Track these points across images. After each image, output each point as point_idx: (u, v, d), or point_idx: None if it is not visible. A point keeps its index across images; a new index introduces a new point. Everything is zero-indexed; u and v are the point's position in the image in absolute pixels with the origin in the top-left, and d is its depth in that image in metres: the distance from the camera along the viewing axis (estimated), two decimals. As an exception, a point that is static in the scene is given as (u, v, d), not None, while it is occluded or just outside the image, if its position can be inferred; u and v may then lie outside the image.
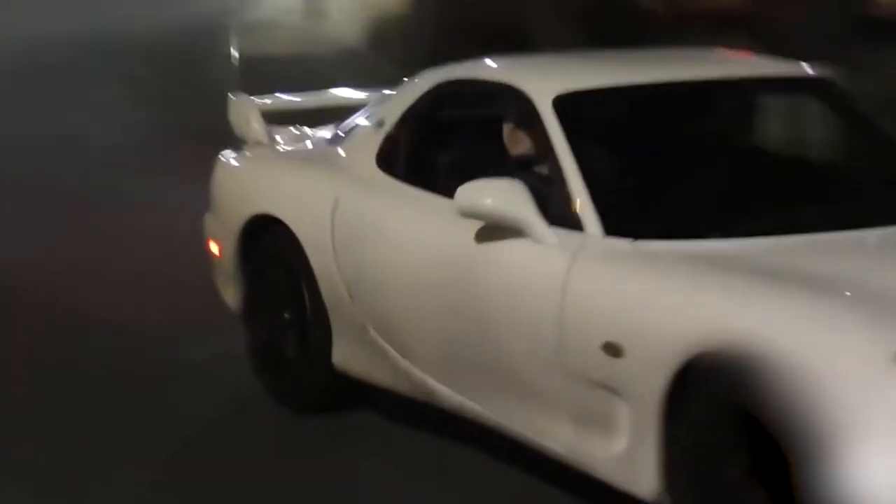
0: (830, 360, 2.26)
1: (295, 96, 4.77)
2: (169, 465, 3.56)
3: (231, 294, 4.18)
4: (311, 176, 3.87)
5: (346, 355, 3.64)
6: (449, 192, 3.20)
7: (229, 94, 4.49)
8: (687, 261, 2.75)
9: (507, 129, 3.44)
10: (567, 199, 2.98)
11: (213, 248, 4.29)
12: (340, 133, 4.08)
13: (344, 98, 4.81)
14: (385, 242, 3.41)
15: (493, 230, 3.01)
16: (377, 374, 3.53)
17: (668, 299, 2.62)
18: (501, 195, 2.92)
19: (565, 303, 2.79)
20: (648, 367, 2.57)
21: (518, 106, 3.34)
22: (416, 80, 3.80)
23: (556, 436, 2.88)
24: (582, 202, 2.94)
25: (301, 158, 4.14)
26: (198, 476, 3.48)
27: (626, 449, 2.67)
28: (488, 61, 3.74)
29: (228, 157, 4.34)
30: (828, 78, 3.63)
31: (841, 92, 3.59)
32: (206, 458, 3.62)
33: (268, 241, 3.96)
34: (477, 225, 3.03)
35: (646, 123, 3.41)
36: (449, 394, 3.20)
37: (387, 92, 4.53)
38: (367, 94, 4.70)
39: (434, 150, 3.60)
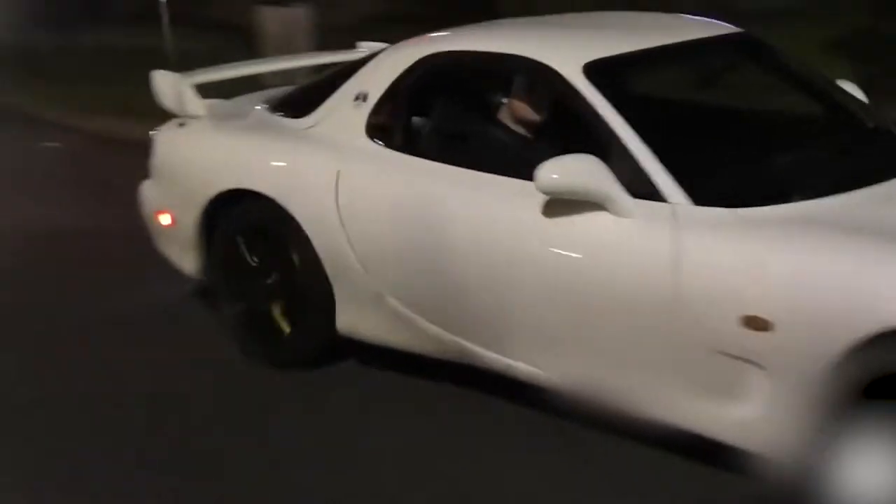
0: None
1: (222, 68, 4.77)
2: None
3: (190, 261, 4.30)
4: (295, 150, 3.94)
5: (353, 321, 3.83)
6: (470, 164, 3.47)
7: (153, 72, 4.45)
8: (817, 228, 2.76)
9: (514, 101, 3.70)
10: (632, 170, 3.01)
11: (163, 218, 4.30)
12: (281, 105, 4.23)
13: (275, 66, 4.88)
14: (414, 216, 3.54)
15: (562, 204, 3.10)
16: (395, 338, 3.76)
17: (832, 274, 2.60)
18: (586, 171, 2.99)
19: (680, 277, 2.83)
20: (808, 342, 2.61)
21: (535, 77, 3.55)
22: (397, 52, 3.94)
23: (666, 404, 3.02)
24: (655, 172, 3.00)
25: (264, 131, 4.17)
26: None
27: (761, 415, 2.78)
28: (485, 31, 3.93)
29: (170, 130, 4.34)
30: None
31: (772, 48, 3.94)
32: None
33: (241, 212, 4.04)
34: (539, 199, 3.15)
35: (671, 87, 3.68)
36: (493, 357, 3.48)
37: (327, 59, 4.67)
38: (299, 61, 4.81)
39: (439, 122, 3.77)
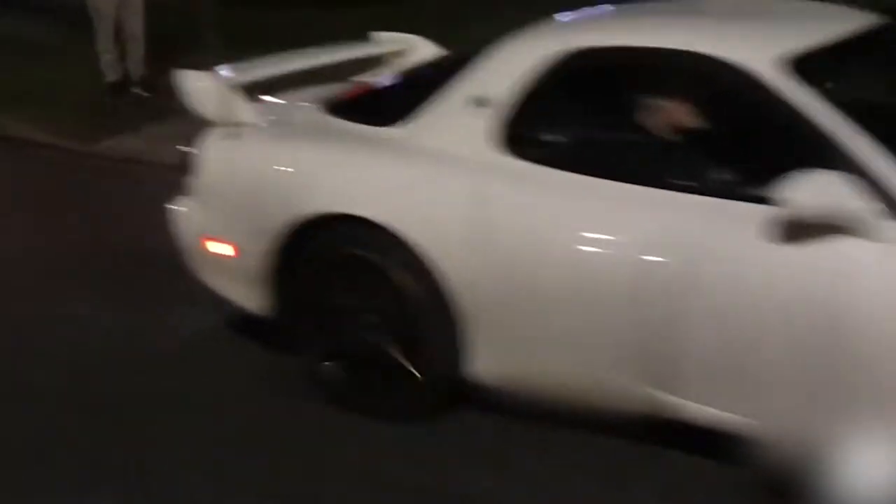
0: None
1: (267, 63, 4.11)
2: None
3: (257, 298, 3.63)
4: (406, 166, 3.32)
5: (492, 366, 3.27)
6: (633, 178, 2.96)
7: (178, 70, 3.76)
8: None
9: (675, 105, 3.16)
10: (871, 186, 2.61)
11: (219, 248, 3.62)
12: (349, 109, 3.65)
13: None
14: (574, 240, 2.99)
15: (789, 229, 2.66)
16: (543, 384, 3.22)
17: None
18: (841, 189, 2.56)
19: None
20: None
21: (715, 78, 3.00)
22: (525, 47, 3.33)
23: None
24: None
25: (349, 143, 3.52)
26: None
27: None
28: (638, 22, 3.35)
29: (219, 141, 3.63)
30: None
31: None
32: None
33: (334, 241, 3.41)
34: (753, 222, 2.71)
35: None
36: (704, 409, 2.95)
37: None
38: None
39: (592, 131, 3.21)
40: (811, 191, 2.56)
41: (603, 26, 3.46)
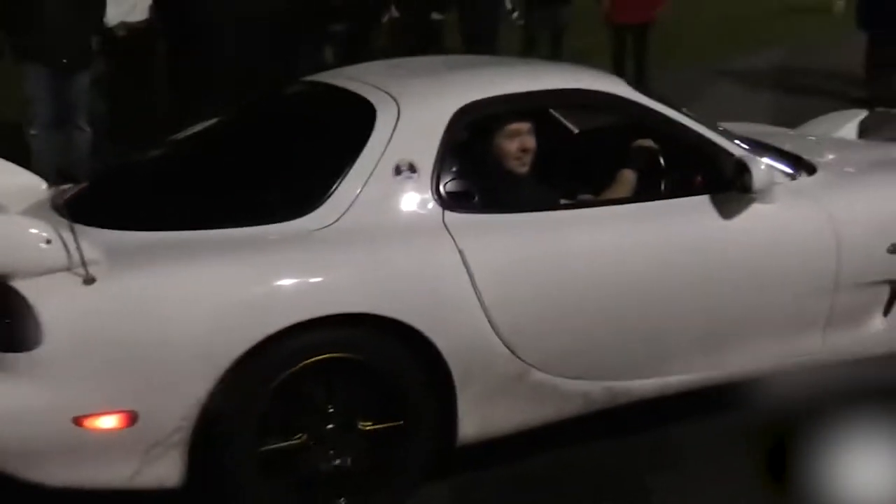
0: None
1: None
2: None
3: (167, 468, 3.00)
4: (362, 253, 3.20)
5: (484, 422, 3.35)
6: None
7: None
8: None
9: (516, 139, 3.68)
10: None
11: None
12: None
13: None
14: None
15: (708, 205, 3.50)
16: (531, 416, 3.42)
17: None
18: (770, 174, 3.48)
19: (839, 233, 3.58)
20: None
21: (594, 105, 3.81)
22: (426, 110, 3.42)
23: (805, 348, 3.68)
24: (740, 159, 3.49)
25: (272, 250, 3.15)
26: None
27: (892, 318, 3.74)
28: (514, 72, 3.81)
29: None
30: None
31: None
32: None
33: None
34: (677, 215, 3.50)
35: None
36: (648, 383, 3.53)
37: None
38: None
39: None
40: (766, 168, 3.41)
41: (486, 77, 3.67)
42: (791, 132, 4.90)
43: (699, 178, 3.63)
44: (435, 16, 8.70)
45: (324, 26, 8.06)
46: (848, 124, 5.15)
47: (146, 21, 7.23)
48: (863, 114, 5.36)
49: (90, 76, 6.86)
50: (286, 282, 3.00)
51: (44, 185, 3.73)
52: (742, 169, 3.41)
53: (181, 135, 4.08)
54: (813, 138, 4.69)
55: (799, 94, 9.08)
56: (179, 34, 7.15)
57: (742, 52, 10.46)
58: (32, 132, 6.67)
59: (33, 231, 2.87)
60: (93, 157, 6.83)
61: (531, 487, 3.45)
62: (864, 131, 5.18)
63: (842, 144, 4.63)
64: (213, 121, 4.03)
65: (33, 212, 3.35)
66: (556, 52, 9.34)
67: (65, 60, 6.56)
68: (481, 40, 8.65)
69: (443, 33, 8.83)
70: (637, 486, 3.45)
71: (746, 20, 12.42)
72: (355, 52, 8.10)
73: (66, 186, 3.78)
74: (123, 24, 7.11)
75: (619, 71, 8.67)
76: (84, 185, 3.82)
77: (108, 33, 7.02)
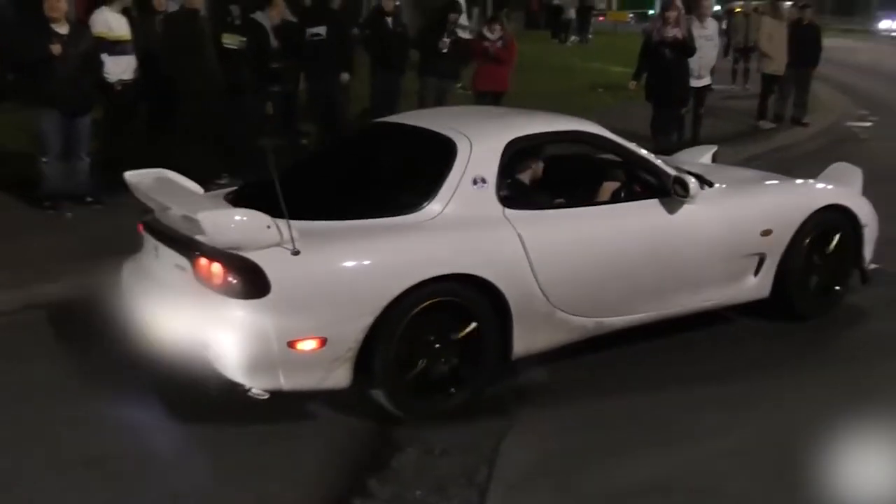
0: None
1: None
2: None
3: (342, 374, 4.56)
4: (461, 235, 4.93)
5: (529, 343, 5.10)
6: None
7: None
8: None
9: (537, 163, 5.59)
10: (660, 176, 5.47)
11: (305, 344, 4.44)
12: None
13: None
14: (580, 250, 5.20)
15: (659, 206, 5.43)
16: (555, 339, 5.21)
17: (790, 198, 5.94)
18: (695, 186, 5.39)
19: (732, 223, 5.59)
20: (785, 235, 5.74)
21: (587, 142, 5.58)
22: (487, 143, 5.21)
23: (710, 297, 5.63)
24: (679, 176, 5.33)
25: (408, 231, 4.93)
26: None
27: (762, 276, 5.78)
28: (537, 118, 5.51)
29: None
30: None
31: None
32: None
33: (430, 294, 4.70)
34: (643, 210, 5.43)
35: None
36: (623, 319, 5.42)
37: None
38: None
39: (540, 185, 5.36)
40: (693, 187, 5.34)
41: (519, 122, 5.45)
42: (671, 158, 6.95)
43: (650, 188, 5.54)
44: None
45: (266, 88, 9.89)
46: (707, 154, 7.30)
47: (134, 80, 8.95)
48: (714, 148, 7.54)
49: (91, 118, 8.28)
50: (415, 254, 4.68)
51: (201, 189, 5.26)
52: (680, 182, 5.35)
53: (321, 150, 5.65)
54: (698, 163, 6.73)
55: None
56: (156, 93, 9.36)
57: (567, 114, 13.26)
58: (44, 160, 8.12)
59: (260, 219, 4.42)
60: (91, 179, 8.41)
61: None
62: (715, 159, 7.35)
63: (713, 168, 6.69)
64: (337, 142, 5.68)
65: (214, 204, 4.89)
66: None
67: (72, 105, 7.97)
68: (392, 97, 10.97)
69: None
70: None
71: (568, 93, 15.49)
72: (288, 107, 10.59)
73: (223, 191, 5.33)
74: (120, 81, 8.80)
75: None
76: (235, 189, 5.38)
77: (108, 87, 8.67)
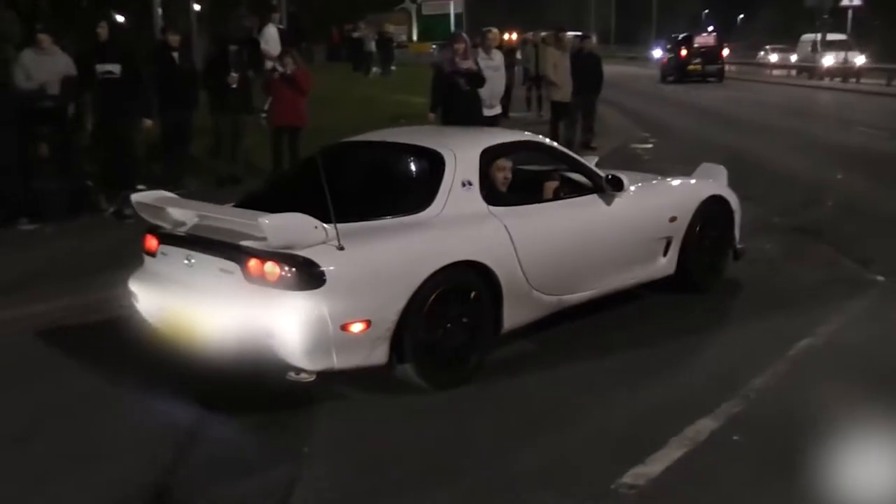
0: None
1: None
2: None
3: (381, 352, 5.34)
4: (462, 230, 5.86)
5: (513, 319, 6.08)
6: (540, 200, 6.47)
7: None
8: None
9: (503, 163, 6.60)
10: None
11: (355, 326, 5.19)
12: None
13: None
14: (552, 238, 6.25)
15: (600, 201, 6.61)
16: (530, 316, 6.21)
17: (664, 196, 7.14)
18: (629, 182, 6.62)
19: (651, 211, 6.80)
20: (685, 221, 6.97)
21: (535, 151, 6.60)
22: (467, 152, 6.18)
23: (635, 275, 6.79)
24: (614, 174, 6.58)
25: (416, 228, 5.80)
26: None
27: (669, 256, 6.99)
28: (502, 134, 6.47)
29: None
30: None
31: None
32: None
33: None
34: (596, 205, 6.58)
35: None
36: (576, 296, 6.50)
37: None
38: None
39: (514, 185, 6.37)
40: (627, 184, 6.55)
41: (483, 135, 6.40)
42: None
43: (586, 186, 6.68)
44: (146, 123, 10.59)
45: (37, 128, 9.82)
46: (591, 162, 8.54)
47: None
48: (596, 158, 8.81)
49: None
50: (434, 244, 5.55)
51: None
52: (615, 180, 6.53)
53: (329, 156, 6.22)
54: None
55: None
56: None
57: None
58: None
59: (308, 220, 5.16)
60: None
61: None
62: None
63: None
64: (341, 151, 6.47)
65: (231, 212, 5.60)
66: (235, 146, 11.79)
67: None
68: (182, 135, 11.21)
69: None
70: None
71: (371, 125, 16.39)
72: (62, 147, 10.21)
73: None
74: None
75: (279, 162, 11.53)
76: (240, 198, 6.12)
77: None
